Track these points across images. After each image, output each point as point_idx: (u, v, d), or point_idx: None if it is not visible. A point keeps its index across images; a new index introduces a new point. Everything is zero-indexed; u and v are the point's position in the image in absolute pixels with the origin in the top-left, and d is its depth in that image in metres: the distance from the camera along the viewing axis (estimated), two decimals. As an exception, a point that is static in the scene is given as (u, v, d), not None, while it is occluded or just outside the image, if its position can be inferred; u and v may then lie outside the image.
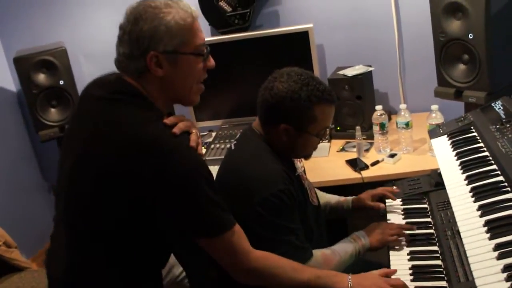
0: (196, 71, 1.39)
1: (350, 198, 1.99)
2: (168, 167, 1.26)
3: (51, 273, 1.48)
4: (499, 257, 1.16)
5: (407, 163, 2.35)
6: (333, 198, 2.01)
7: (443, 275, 1.48)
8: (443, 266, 1.52)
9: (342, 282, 1.45)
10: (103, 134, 1.31)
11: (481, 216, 1.33)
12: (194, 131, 1.37)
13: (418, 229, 1.73)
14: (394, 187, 1.98)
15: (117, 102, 1.34)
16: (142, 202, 1.29)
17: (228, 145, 2.62)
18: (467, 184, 1.50)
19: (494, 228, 1.25)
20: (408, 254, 1.62)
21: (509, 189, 1.38)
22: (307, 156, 1.76)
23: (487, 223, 1.29)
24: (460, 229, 1.33)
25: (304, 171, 1.84)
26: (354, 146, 2.58)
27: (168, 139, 1.29)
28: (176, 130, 1.30)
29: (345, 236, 1.75)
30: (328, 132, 1.77)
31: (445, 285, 1.44)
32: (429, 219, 1.79)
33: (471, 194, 1.44)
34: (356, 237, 1.71)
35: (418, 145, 2.48)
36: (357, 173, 2.31)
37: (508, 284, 1.07)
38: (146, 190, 1.27)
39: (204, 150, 2.80)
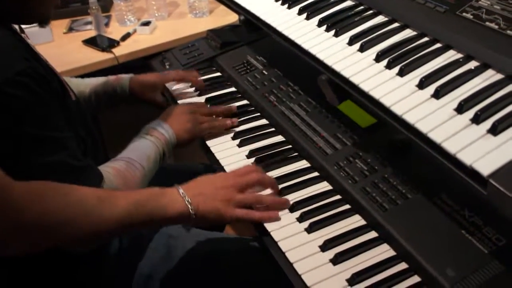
0: None
1: (126, 76, 1.30)
2: None
3: None
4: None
5: (167, 30, 1.79)
6: (94, 82, 1.30)
7: (297, 153, 1.06)
8: (289, 141, 1.10)
9: (174, 201, 0.87)
10: None
11: (361, 50, 0.90)
12: None
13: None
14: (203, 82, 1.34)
15: None
16: None
17: None
18: (307, 19, 1.05)
19: (393, 62, 0.85)
20: (234, 139, 1.14)
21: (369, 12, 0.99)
22: (45, 19, 1.03)
23: (378, 57, 0.87)
24: (345, 73, 0.87)
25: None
26: (87, 23, 1.89)
27: None
28: None
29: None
30: None
31: (307, 165, 1.02)
32: (233, 89, 1.33)
33: (333, 33, 1.00)
34: (153, 131, 1.09)
35: (172, 9, 1.94)
36: (108, 53, 1.66)
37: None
38: None
39: None
